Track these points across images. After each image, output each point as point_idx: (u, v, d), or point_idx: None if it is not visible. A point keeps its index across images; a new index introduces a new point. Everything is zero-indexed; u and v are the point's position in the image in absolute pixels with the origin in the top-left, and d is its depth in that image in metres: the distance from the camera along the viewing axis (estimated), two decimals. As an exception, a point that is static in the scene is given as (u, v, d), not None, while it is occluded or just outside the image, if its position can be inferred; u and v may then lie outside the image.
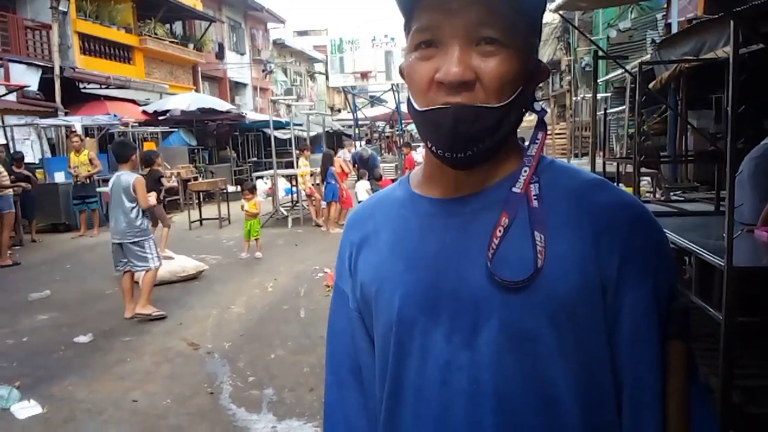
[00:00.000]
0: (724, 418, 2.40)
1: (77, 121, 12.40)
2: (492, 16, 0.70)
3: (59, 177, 11.32)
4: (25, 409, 3.68)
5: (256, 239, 8.24)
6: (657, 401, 0.74)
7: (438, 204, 0.81)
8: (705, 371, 2.66)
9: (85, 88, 15.29)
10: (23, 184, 9.23)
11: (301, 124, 16.50)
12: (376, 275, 0.84)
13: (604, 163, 5.84)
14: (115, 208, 5.36)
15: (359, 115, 20.24)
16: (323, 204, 10.52)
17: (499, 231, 0.75)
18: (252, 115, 19.36)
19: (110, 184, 5.49)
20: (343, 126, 24.77)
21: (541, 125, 0.81)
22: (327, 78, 31.49)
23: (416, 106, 0.75)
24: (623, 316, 0.74)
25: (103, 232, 10.65)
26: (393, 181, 9.92)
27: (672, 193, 5.93)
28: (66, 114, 13.35)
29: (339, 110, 31.64)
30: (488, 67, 0.71)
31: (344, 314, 0.90)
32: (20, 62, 13.12)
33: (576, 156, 11.49)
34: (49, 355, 4.67)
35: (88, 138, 12.71)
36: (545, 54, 24.35)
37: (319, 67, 31.39)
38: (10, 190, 8.57)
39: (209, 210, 12.09)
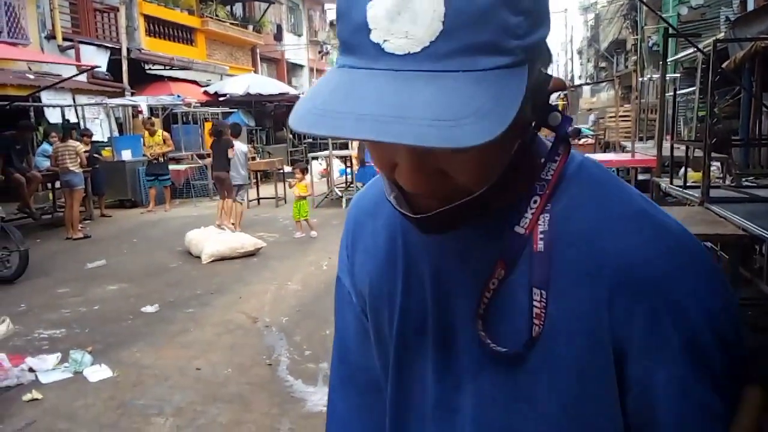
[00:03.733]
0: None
1: (143, 101, 12.89)
2: None
3: (126, 155, 11.82)
4: (97, 372, 3.92)
5: (305, 219, 8.39)
6: None
7: None
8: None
9: (150, 69, 15.84)
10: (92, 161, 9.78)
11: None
12: (372, 288, 0.74)
13: (672, 147, 5.60)
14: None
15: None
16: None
17: (492, 284, 0.62)
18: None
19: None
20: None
21: (562, 141, 0.62)
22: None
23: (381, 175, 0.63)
24: (658, 397, 0.58)
25: (174, 207, 11.12)
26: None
27: (743, 179, 5.64)
28: (132, 94, 13.88)
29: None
30: (452, 164, 0.53)
31: (349, 310, 0.82)
32: (90, 44, 13.71)
33: (641, 140, 11.06)
34: (118, 322, 4.93)
35: (154, 118, 13.21)
36: (610, 33, 23.47)
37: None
38: (79, 167, 9.03)
39: (266, 189, 12.36)
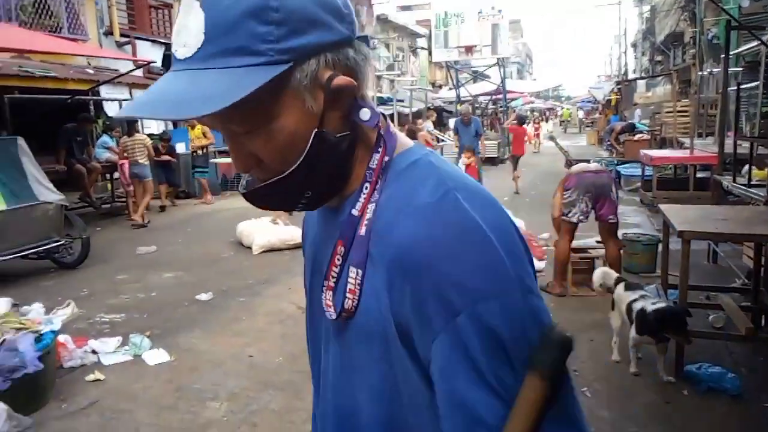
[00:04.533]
0: None
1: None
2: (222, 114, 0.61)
3: (180, 148, 12.14)
4: (155, 356, 4.06)
5: None
6: None
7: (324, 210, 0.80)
8: None
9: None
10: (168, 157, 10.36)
11: (402, 100, 16.54)
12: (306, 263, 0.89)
13: (735, 144, 5.37)
14: None
15: (461, 91, 19.94)
16: None
17: (338, 260, 0.72)
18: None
19: None
20: (444, 102, 24.53)
21: (379, 137, 0.72)
22: (429, 53, 31.26)
23: None
24: (433, 368, 0.63)
25: (225, 199, 11.38)
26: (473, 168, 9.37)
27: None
28: (185, 89, 14.22)
29: (440, 86, 31.32)
30: (258, 148, 0.67)
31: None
32: (145, 39, 14.13)
33: (700, 136, 10.64)
34: (174, 309, 5.09)
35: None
36: (667, 26, 22.64)
37: (421, 42, 31.17)
38: (147, 160, 9.40)
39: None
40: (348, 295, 0.69)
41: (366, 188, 0.70)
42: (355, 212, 0.70)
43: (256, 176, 0.70)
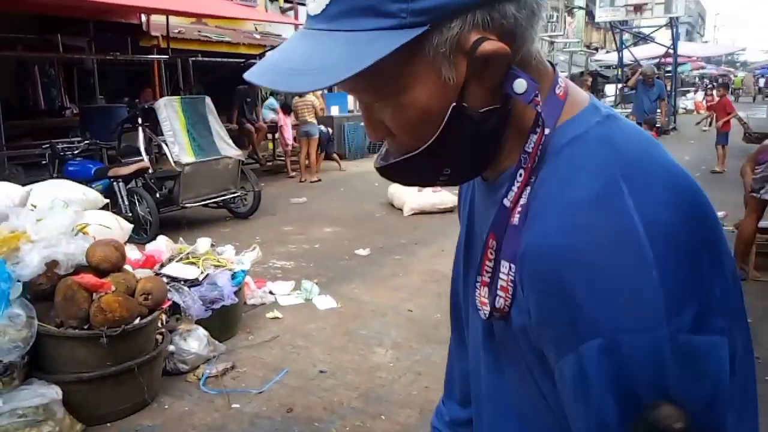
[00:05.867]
0: None
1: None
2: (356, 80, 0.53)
3: (334, 110, 12.73)
4: (324, 301, 4.41)
5: None
6: None
7: (480, 182, 0.72)
8: None
9: None
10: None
11: (556, 64, 15.70)
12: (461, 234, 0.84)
13: None
14: None
15: (623, 54, 18.50)
16: None
17: (490, 253, 0.62)
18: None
19: None
20: (601, 67, 22.99)
21: (538, 115, 0.58)
22: (586, 13, 29.28)
23: None
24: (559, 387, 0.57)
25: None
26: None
27: None
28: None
29: (596, 49, 29.34)
30: (387, 119, 0.60)
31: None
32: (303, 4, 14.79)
33: None
34: (336, 261, 5.45)
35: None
36: None
37: (578, 1, 29.29)
38: (315, 118, 9.92)
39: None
40: (500, 293, 0.60)
41: (521, 174, 0.59)
42: (507, 203, 0.60)
43: (390, 147, 0.65)
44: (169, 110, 6.52)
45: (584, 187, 0.54)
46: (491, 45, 0.54)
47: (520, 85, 0.57)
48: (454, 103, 0.57)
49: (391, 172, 0.64)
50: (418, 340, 3.76)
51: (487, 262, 0.63)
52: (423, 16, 0.52)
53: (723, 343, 0.51)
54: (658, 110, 11.25)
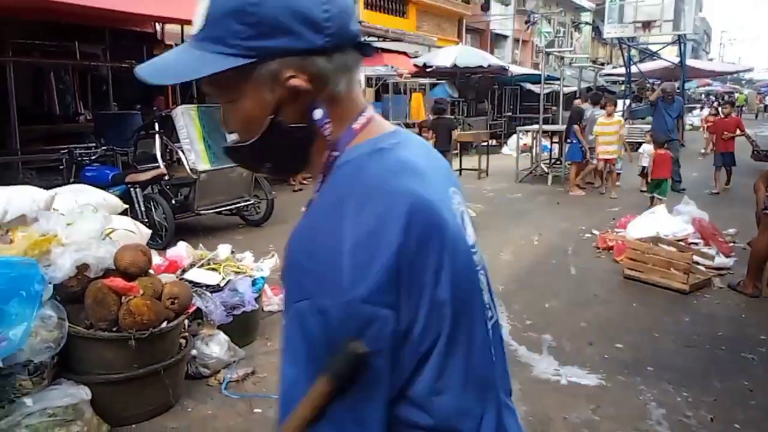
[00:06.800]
0: None
1: (361, 71, 13.74)
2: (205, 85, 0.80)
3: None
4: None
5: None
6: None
7: None
8: None
9: (365, 40, 16.73)
10: None
11: (559, 79, 15.80)
12: None
13: None
14: None
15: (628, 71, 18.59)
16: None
17: None
18: (515, 69, 19.21)
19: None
20: (607, 82, 23.09)
21: (318, 133, 0.80)
22: (593, 29, 29.45)
23: None
24: None
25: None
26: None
27: None
28: (352, 64, 14.85)
29: (602, 64, 29.49)
30: (227, 117, 0.83)
31: None
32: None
33: None
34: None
35: (366, 88, 14.06)
36: None
37: (584, 16, 29.50)
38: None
39: (465, 161, 12.55)
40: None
41: (320, 182, 0.81)
42: (303, 208, 0.82)
43: (235, 137, 0.86)
44: (186, 118, 6.60)
45: (327, 197, 0.77)
46: (296, 81, 0.76)
47: (318, 113, 0.79)
48: (272, 116, 0.78)
49: (228, 153, 0.86)
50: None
51: None
52: (252, 52, 0.75)
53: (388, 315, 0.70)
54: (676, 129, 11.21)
